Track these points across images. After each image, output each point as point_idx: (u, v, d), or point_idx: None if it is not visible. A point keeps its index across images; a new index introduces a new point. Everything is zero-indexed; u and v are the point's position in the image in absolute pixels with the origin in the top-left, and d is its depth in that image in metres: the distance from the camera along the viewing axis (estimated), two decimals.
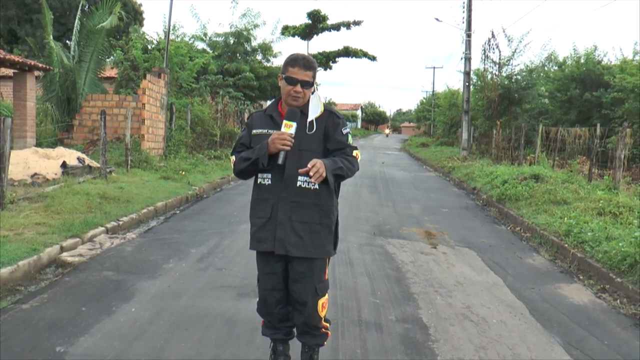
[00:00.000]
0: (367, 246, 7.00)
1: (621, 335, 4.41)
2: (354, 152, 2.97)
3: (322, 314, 3.08)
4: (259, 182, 3.00)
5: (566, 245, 6.94)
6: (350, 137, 3.00)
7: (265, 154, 2.80)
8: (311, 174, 2.64)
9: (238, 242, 6.75)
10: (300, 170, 2.72)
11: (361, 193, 12.49)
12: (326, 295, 3.09)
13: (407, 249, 6.97)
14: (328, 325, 3.20)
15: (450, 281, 5.61)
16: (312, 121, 2.90)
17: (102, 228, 6.82)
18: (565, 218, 7.98)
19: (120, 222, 7.24)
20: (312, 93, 2.95)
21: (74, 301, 4.47)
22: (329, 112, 2.99)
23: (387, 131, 65.21)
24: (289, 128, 2.77)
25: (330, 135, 2.94)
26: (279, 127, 2.83)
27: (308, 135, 2.88)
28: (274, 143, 2.75)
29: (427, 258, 6.54)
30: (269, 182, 2.93)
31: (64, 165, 10.17)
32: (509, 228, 9.00)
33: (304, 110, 2.89)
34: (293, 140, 2.76)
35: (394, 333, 4.13)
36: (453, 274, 5.92)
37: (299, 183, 2.86)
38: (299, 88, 2.85)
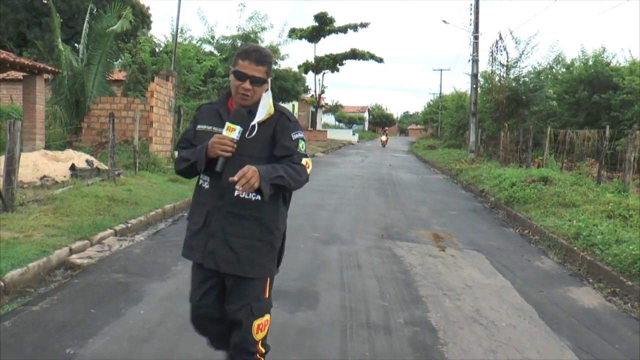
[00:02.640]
0: (375, 249, 6.99)
1: (632, 339, 4.37)
2: (303, 161, 2.53)
3: (258, 337, 2.67)
4: (199, 183, 2.69)
5: (575, 248, 6.90)
6: (301, 143, 2.57)
7: (203, 159, 2.48)
8: (238, 187, 2.28)
9: None
10: (229, 179, 2.30)
11: (369, 196, 12.49)
12: (265, 317, 2.69)
13: (415, 251, 6.95)
14: (264, 351, 2.76)
15: (459, 284, 5.59)
16: (254, 125, 2.52)
17: (111, 230, 6.83)
18: (574, 221, 7.94)
19: (129, 225, 7.26)
20: (265, 91, 2.58)
21: (83, 303, 4.49)
22: (280, 113, 2.61)
23: (383, 138, 44.59)
24: (231, 132, 2.44)
25: (278, 140, 2.55)
26: (224, 126, 2.50)
27: (252, 139, 2.52)
28: (214, 147, 2.43)
29: (435, 261, 6.52)
30: (207, 186, 2.61)
31: (72, 167, 10.23)
32: (517, 231, 8.96)
33: (253, 110, 2.53)
34: (235, 146, 2.43)
35: (402, 336, 4.12)
36: (461, 276, 5.90)
37: (237, 192, 2.49)
38: (247, 85, 2.49)
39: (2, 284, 4.58)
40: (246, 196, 2.51)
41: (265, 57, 2.54)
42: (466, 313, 4.72)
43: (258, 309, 2.65)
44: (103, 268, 5.51)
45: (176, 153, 2.69)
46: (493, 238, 8.20)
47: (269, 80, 2.59)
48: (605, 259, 6.23)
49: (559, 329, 4.46)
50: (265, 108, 2.54)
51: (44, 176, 9.44)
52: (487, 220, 9.92)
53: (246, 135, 2.50)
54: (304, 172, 2.50)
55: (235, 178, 2.26)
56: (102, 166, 11.13)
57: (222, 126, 2.50)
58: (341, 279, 5.55)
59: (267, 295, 2.70)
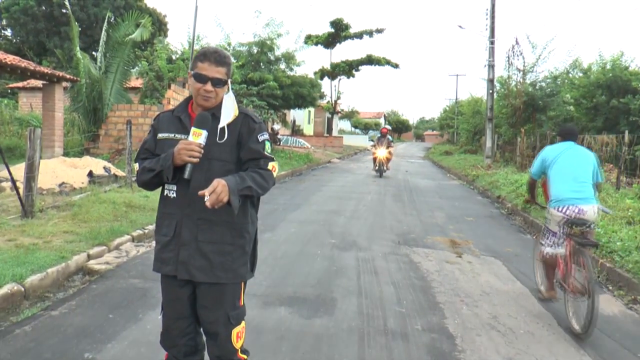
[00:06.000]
0: (392, 255, 6.96)
1: None
2: (270, 165, 2.53)
3: (238, 345, 2.63)
4: (165, 194, 2.59)
5: (594, 255, 6.80)
6: (267, 145, 2.56)
7: (170, 167, 2.41)
8: (208, 203, 2.25)
9: (262, 250, 6.73)
10: (199, 193, 2.29)
11: (385, 202, 12.45)
12: (242, 324, 2.65)
13: (432, 257, 6.91)
14: (246, 357, 2.70)
15: (476, 291, 5.55)
16: (223, 128, 2.50)
17: (128, 236, 6.89)
18: None
19: (146, 231, 7.30)
20: (226, 93, 2.54)
21: (102, 308, 4.53)
22: (244, 115, 2.58)
23: (381, 152, 19.38)
24: (197, 137, 2.38)
25: (244, 143, 2.52)
26: (187, 132, 2.45)
27: (219, 143, 2.49)
28: (180, 154, 2.37)
29: (453, 267, 6.48)
30: (174, 195, 2.53)
31: (90, 174, 10.34)
32: (534, 237, 8.86)
33: (216, 113, 2.49)
34: (202, 151, 2.39)
35: (420, 343, 4.09)
36: (479, 283, 5.85)
37: (206, 198, 2.41)
38: (209, 87, 2.45)
39: (22, 289, 4.65)
40: None
41: (224, 58, 2.52)
42: (484, 320, 4.68)
43: (235, 317, 2.60)
44: (121, 273, 5.56)
45: (136, 165, 2.63)
46: (510, 244, 8.13)
47: (229, 81, 2.58)
48: (625, 266, 6.13)
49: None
50: (230, 110, 2.52)
51: (63, 183, 9.56)
52: (504, 227, 9.84)
53: (217, 139, 2.48)
54: (270, 179, 2.52)
55: (206, 193, 2.26)
56: (120, 173, 11.24)
57: (184, 133, 2.49)
58: (358, 285, 5.54)
59: (242, 303, 2.66)
